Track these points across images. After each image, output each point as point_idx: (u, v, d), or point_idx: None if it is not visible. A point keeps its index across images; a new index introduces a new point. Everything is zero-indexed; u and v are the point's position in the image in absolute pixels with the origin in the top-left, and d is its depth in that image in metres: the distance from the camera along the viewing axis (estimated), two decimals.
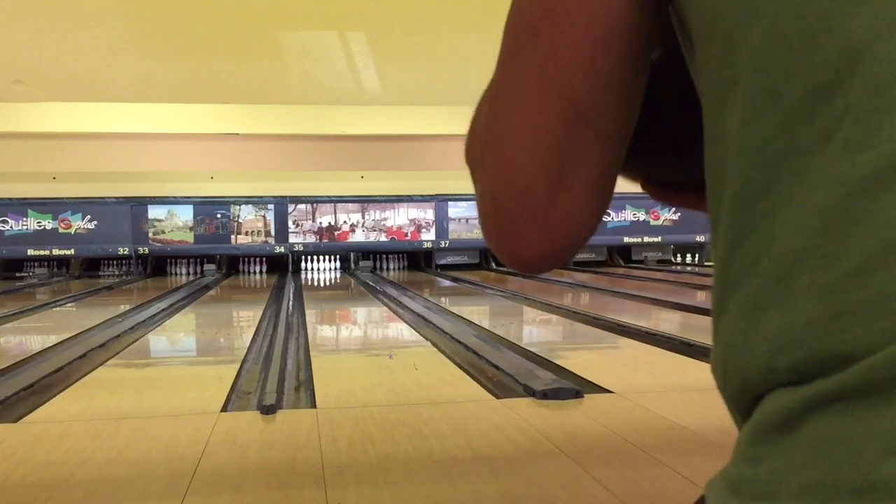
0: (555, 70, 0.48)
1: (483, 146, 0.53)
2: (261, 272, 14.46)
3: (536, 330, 7.50)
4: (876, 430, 0.34)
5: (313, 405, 3.85)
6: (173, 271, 14.31)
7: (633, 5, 0.47)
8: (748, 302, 0.43)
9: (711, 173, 0.47)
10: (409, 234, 14.51)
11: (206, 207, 14.08)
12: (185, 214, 14.07)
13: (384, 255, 14.62)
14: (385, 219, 14.47)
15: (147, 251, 13.95)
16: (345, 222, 14.35)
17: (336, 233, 14.32)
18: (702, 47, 0.46)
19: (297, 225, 14.25)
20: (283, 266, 14.25)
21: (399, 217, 14.49)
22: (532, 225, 0.51)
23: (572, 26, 0.47)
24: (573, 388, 3.92)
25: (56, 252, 13.71)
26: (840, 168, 0.38)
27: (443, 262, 14.46)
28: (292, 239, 14.22)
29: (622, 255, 15.14)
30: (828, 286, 0.38)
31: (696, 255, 15.64)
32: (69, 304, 9.89)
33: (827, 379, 0.37)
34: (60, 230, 13.70)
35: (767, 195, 0.42)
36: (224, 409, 3.76)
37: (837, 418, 0.36)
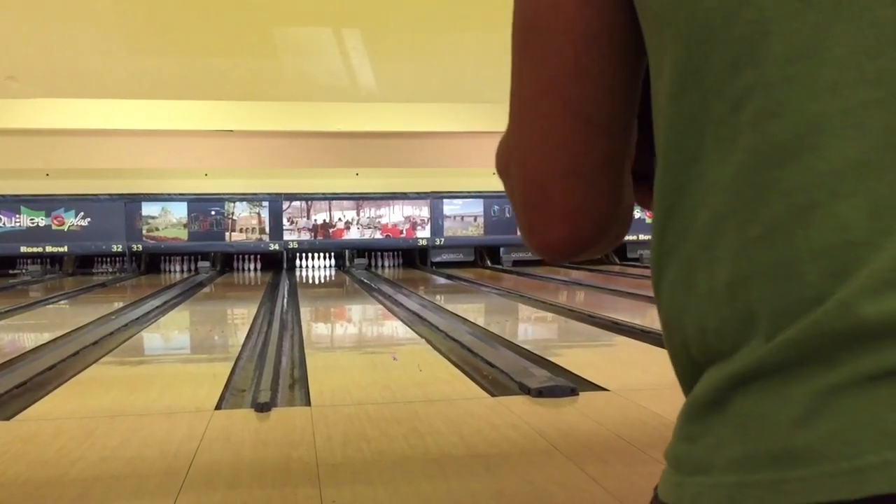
0: (546, 75, 0.53)
1: (507, 154, 0.58)
2: (255, 269, 14.43)
3: (531, 327, 7.51)
4: (788, 405, 0.38)
5: (308, 403, 3.85)
6: (167, 268, 14.28)
7: (604, 8, 0.51)
8: (683, 266, 0.46)
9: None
10: (404, 232, 14.50)
11: (201, 204, 14.04)
12: (179, 211, 14.03)
13: (379, 253, 14.61)
14: (380, 216, 14.46)
15: (141, 248, 13.92)
16: (340, 219, 14.34)
17: (331, 230, 14.31)
18: (647, 37, 0.50)
19: (292, 222, 14.23)
20: (277, 263, 14.23)
21: (394, 214, 14.48)
22: (553, 215, 0.55)
23: (554, 35, 0.52)
24: (568, 385, 3.92)
25: (49, 249, 13.67)
26: (751, 137, 0.41)
27: (438, 259, 14.45)
28: (287, 236, 14.19)
29: (617, 252, 15.15)
30: (741, 249, 0.41)
31: None
32: (62, 302, 9.87)
33: (745, 354, 0.41)
34: (53, 227, 13.65)
35: (694, 165, 0.45)
36: (218, 406, 3.75)
37: (756, 395, 0.40)
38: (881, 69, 0.37)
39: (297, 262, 14.44)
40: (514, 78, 0.56)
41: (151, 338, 6.69)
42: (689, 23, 0.44)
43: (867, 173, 0.37)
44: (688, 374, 0.48)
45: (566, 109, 0.53)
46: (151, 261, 14.29)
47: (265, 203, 14.21)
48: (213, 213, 14.11)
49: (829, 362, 0.37)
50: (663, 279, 0.49)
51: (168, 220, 14.02)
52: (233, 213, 14.20)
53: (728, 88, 0.42)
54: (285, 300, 8.98)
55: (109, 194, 13.63)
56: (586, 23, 0.52)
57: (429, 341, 5.66)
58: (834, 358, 0.37)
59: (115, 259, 14.18)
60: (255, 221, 14.25)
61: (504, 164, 0.59)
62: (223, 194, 13.96)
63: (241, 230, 14.22)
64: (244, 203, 14.18)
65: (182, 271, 14.16)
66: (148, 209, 13.94)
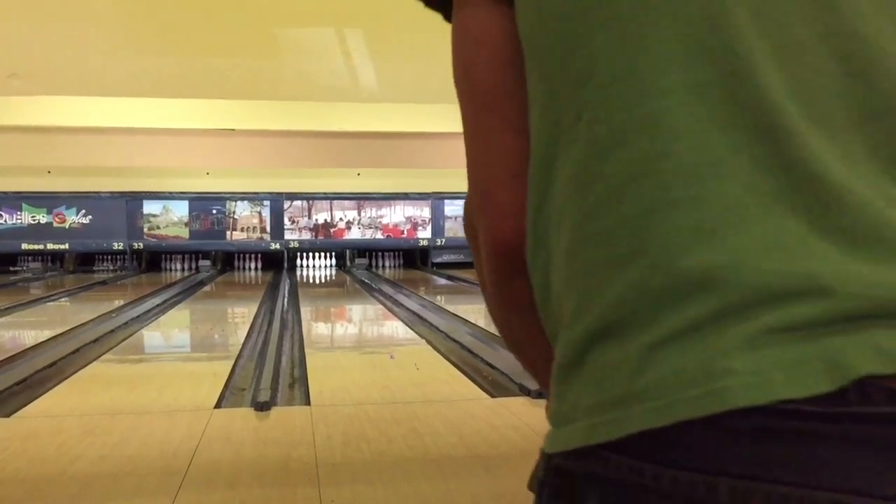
0: (483, 99, 0.62)
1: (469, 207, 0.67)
2: (256, 269, 14.44)
3: None
4: (626, 360, 0.47)
5: (307, 402, 3.85)
6: (168, 267, 14.28)
7: (515, 41, 0.60)
8: (553, 249, 0.55)
9: None
10: (405, 232, 14.50)
11: (202, 203, 14.05)
12: (180, 210, 14.04)
13: (380, 253, 14.61)
14: (381, 216, 14.46)
15: (142, 246, 13.92)
16: (341, 219, 14.34)
17: (332, 230, 14.31)
18: (526, 66, 0.60)
19: (293, 222, 14.23)
20: (278, 263, 14.23)
21: (395, 215, 14.48)
22: (504, 215, 0.61)
23: (483, 67, 0.62)
24: None
25: (50, 247, 13.68)
26: (585, 140, 0.52)
27: (439, 260, 14.45)
28: (288, 236, 14.20)
29: None
30: (576, 224, 0.52)
31: None
32: (63, 299, 9.87)
33: (589, 318, 0.50)
34: (55, 224, 13.66)
35: (552, 167, 0.55)
36: (218, 405, 3.75)
37: (603, 351, 0.49)
38: (672, 85, 0.49)
39: (298, 261, 14.44)
40: (460, 105, 0.64)
41: (152, 336, 6.70)
42: (548, 56, 0.56)
43: (659, 160, 0.49)
44: (554, 341, 0.56)
45: (503, 123, 0.61)
46: (152, 259, 14.29)
47: (266, 202, 14.22)
48: (214, 211, 14.11)
49: (651, 321, 0.47)
50: (536, 270, 0.58)
51: (169, 219, 14.02)
52: (234, 212, 14.20)
53: (573, 104, 0.53)
54: (286, 300, 8.99)
55: (111, 192, 13.64)
56: (506, 55, 0.61)
57: (429, 342, 5.66)
58: (654, 317, 0.47)
59: (116, 257, 14.18)
60: (256, 220, 14.25)
61: (468, 220, 0.67)
62: (224, 193, 13.96)
63: (242, 229, 14.22)
64: (245, 202, 14.18)
65: (183, 270, 14.16)
66: (149, 207, 13.94)
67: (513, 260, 0.60)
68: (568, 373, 0.51)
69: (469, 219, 0.66)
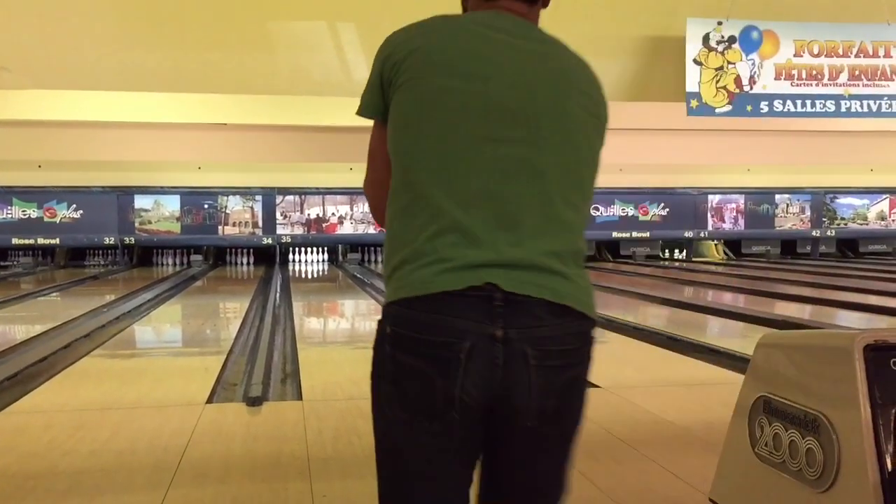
0: (369, 169, 1.35)
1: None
2: (248, 263, 14.42)
3: None
4: (406, 272, 1.24)
5: (299, 397, 3.85)
6: (160, 262, 14.24)
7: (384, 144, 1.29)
8: (390, 228, 1.28)
9: None
10: None
11: (194, 198, 14.01)
12: (171, 204, 14.00)
13: (372, 248, 14.58)
14: None
15: (133, 241, 13.87)
16: (333, 214, 14.32)
17: (324, 225, 14.29)
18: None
19: (285, 216, 14.21)
20: (270, 258, 14.20)
21: None
22: (379, 209, 1.33)
23: (376, 145, 1.31)
24: None
25: (41, 241, 13.61)
26: (403, 196, 1.24)
27: None
28: (280, 230, 14.17)
29: (610, 250, 15.18)
30: (392, 220, 1.29)
31: (685, 251, 15.70)
32: (54, 294, 9.84)
33: (399, 255, 1.27)
34: (45, 219, 13.59)
35: (393, 202, 1.27)
36: (209, 400, 3.75)
37: (402, 268, 1.24)
38: (425, 186, 1.21)
39: (290, 256, 14.41)
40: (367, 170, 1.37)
41: (143, 331, 6.68)
42: (394, 161, 1.26)
43: (413, 205, 1.22)
44: (387, 260, 1.28)
45: (381, 186, 1.30)
46: (144, 254, 14.25)
47: (258, 197, 14.19)
48: (206, 206, 14.07)
49: (415, 263, 1.19)
50: (388, 228, 1.29)
51: (161, 213, 13.97)
52: (226, 207, 14.17)
53: (405, 179, 1.24)
54: (278, 294, 8.97)
55: (102, 187, 13.58)
56: (382, 141, 1.28)
57: None
58: (415, 262, 1.20)
59: (107, 252, 14.13)
60: (248, 215, 14.22)
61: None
62: (216, 188, 13.93)
63: (234, 224, 14.19)
64: (237, 197, 14.15)
65: (174, 265, 14.13)
66: (141, 202, 13.89)
67: (381, 221, 1.33)
68: (392, 274, 1.23)
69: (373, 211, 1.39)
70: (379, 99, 1.27)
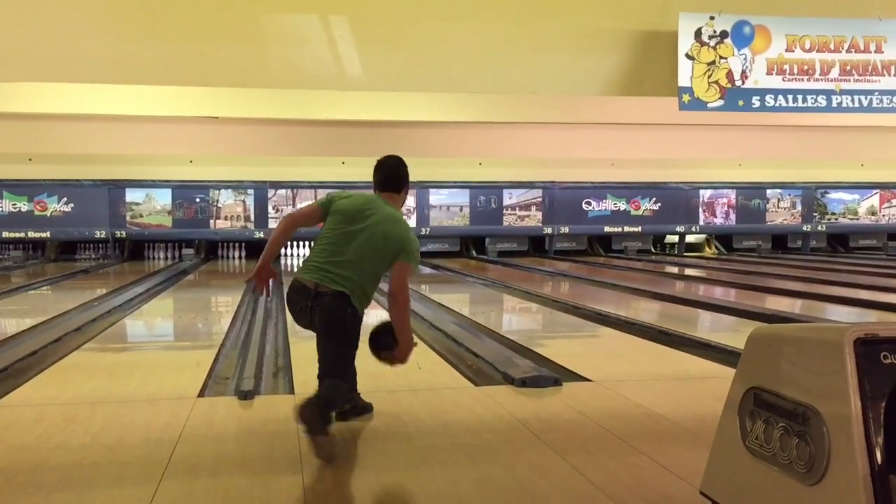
0: (306, 212, 3.45)
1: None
2: (240, 257, 14.39)
3: (516, 318, 7.53)
4: (307, 278, 3.29)
5: (291, 391, 3.84)
6: (151, 255, 14.21)
7: (315, 216, 3.37)
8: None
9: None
10: None
11: (185, 191, 13.97)
12: (163, 198, 13.95)
13: None
14: None
15: (124, 235, 13.83)
16: None
17: None
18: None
19: (277, 210, 14.18)
20: (262, 251, 14.15)
21: None
22: (309, 226, 3.51)
23: (310, 211, 3.41)
24: (552, 376, 3.93)
25: (31, 235, 13.56)
26: (327, 243, 3.26)
27: (423, 249, 14.33)
28: (272, 224, 14.11)
29: (602, 244, 15.21)
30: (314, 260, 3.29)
31: (676, 246, 15.73)
32: (45, 288, 9.80)
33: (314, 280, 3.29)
34: (36, 212, 13.54)
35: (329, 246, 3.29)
36: (201, 394, 3.74)
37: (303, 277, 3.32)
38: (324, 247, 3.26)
39: (282, 250, 14.36)
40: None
41: (134, 325, 6.66)
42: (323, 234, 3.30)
43: (314, 254, 3.28)
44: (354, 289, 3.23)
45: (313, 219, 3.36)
46: (135, 247, 14.21)
47: (250, 191, 14.15)
48: (197, 200, 14.04)
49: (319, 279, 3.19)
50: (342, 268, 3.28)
51: (152, 207, 13.93)
52: (217, 201, 14.13)
53: (333, 248, 3.23)
54: (270, 288, 8.93)
55: (93, 180, 13.53)
56: (311, 211, 3.38)
57: (413, 331, 5.65)
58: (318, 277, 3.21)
59: (98, 245, 14.09)
60: (240, 209, 14.19)
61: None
62: (208, 181, 13.89)
63: (225, 218, 14.16)
64: (229, 190, 14.11)
65: (166, 258, 14.09)
66: (132, 195, 13.85)
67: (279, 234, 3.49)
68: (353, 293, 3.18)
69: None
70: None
